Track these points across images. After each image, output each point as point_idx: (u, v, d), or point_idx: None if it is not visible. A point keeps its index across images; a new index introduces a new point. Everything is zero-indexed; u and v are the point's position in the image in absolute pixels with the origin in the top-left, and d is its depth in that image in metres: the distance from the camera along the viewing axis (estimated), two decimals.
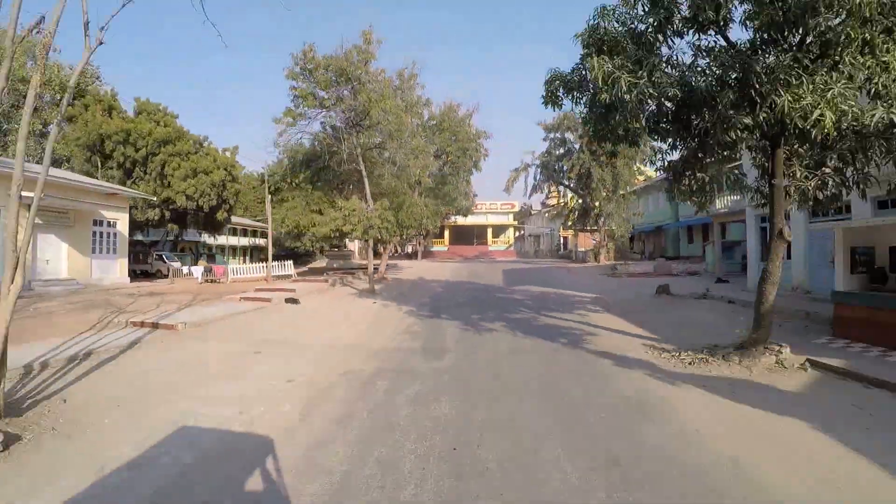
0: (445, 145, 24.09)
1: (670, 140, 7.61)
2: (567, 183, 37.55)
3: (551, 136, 36.38)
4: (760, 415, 5.46)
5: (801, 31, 6.08)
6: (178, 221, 36.46)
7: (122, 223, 24.96)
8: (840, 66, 5.52)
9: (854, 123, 5.15)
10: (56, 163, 32.12)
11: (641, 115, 7.20)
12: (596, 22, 7.56)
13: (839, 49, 5.51)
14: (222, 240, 51.82)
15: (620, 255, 36.54)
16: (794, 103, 5.10)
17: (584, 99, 7.95)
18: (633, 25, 7.45)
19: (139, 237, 39.46)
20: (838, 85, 5.06)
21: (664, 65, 7.00)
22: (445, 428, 5.12)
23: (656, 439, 4.80)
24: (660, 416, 5.46)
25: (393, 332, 10.90)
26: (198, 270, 30.66)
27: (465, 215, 49.11)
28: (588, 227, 37.32)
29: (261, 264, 30.88)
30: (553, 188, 43.31)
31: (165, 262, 33.93)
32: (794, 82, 5.20)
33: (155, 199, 32.30)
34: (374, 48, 17.97)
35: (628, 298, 16.53)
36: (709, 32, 6.99)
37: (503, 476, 4.02)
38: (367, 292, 19.15)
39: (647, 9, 7.28)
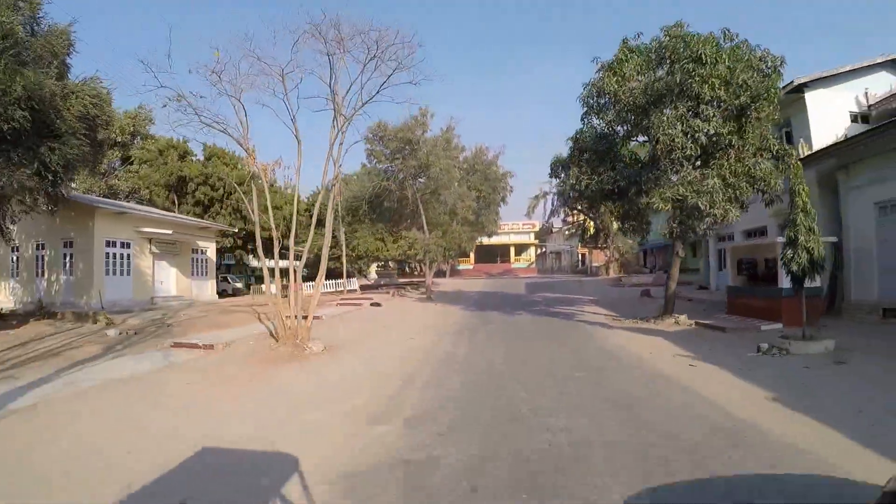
0: (478, 183, 30.87)
1: (612, 206, 14.24)
2: (580, 208, 43.92)
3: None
4: (651, 338, 11.93)
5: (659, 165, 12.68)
6: (244, 248, 43.98)
7: (211, 251, 30.18)
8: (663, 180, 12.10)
9: (679, 205, 11.70)
10: (138, 200, 39.39)
11: (597, 194, 13.86)
12: (577, 136, 14.31)
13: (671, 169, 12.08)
14: (271, 262, 58.23)
15: (626, 269, 42.62)
16: (653, 197, 11.69)
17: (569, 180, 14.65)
18: (593, 145, 14.14)
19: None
20: (670, 190, 11.65)
21: (608, 170, 13.65)
22: (499, 347, 11.71)
23: (598, 346, 11.32)
24: (602, 340, 11.98)
25: (456, 319, 17.53)
26: (273, 287, 37.50)
27: (490, 236, 55.79)
28: (599, 246, 43.49)
29: (327, 281, 37.89)
30: (569, 211, 49.58)
31: (230, 283, 39.53)
32: (653, 188, 11.81)
33: (236, 229, 39.82)
34: (429, 120, 25.00)
35: (616, 299, 22.94)
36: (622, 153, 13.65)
37: (529, 360, 10.53)
38: (424, 299, 25.86)
39: (600, 136, 13.98)
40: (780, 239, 11.83)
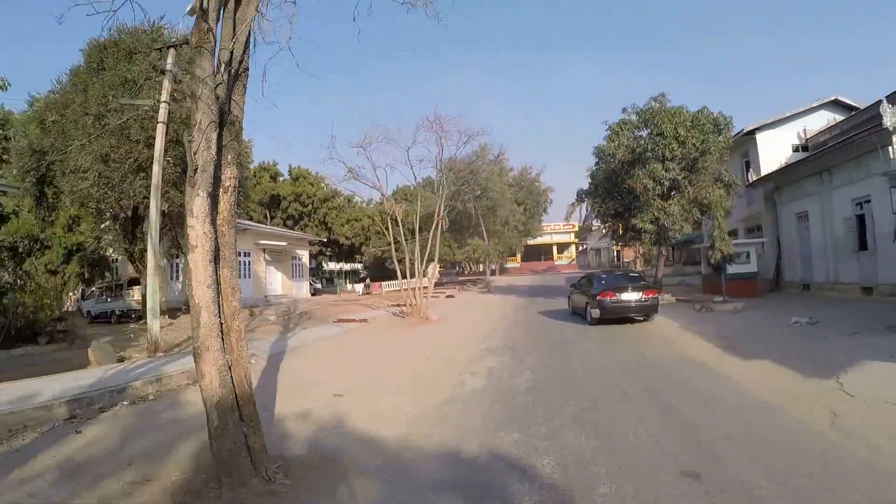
0: (525, 198, 38.42)
1: (618, 222, 21.64)
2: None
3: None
4: None
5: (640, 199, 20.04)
6: (323, 253, 53.10)
7: (305, 257, 37.93)
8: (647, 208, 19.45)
9: (654, 225, 19.02)
10: (240, 217, 48.58)
11: (606, 215, 21.34)
12: (592, 175, 21.86)
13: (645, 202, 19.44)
14: (332, 265, 65.22)
15: (648, 263, 49.13)
16: (638, 219, 19.05)
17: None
18: (604, 182, 21.59)
19: None
20: (648, 214, 19.00)
21: (612, 200, 21.07)
22: (542, 316, 19.35)
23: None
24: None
25: (512, 302, 25.16)
26: (359, 287, 45.89)
27: (535, 238, 63.07)
28: (628, 244, 50.23)
29: (394, 282, 46.12)
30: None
31: (311, 284, 46.47)
32: (639, 213, 19.18)
33: (325, 239, 48.74)
34: (486, 152, 32.80)
35: None
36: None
37: (560, 326, 18.12)
38: (485, 291, 33.62)
39: (606, 177, 21.43)
40: (706, 243, 19.09)
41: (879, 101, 16.11)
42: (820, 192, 19.04)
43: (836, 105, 24.31)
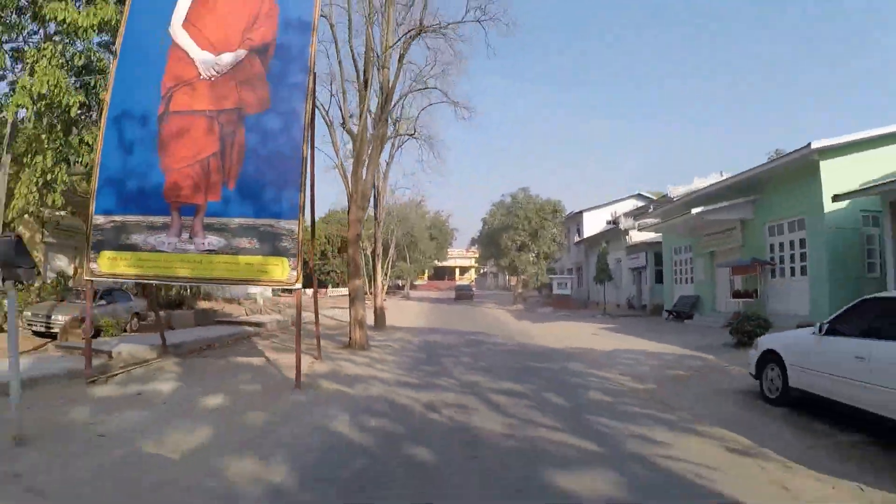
0: (437, 234, 51.73)
1: (500, 261, 35.35)
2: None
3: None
4: (495, 308, 33.02)
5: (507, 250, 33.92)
6: None
7: None
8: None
9: (514, 267, 32.83)
10: None
11: (491, 256, 35.04)
12: (481, 231, 35.51)
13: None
14: None
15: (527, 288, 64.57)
16: (505, 262, 32.65)
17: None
18: (488, 236, 35.29)
19: None
20: (510, 260, 32.79)
21: (493, 248, 34.84)
22: (449, 305, 32.52)
23: (481, 311, 32.21)
24: (480, 305, 32.98)
25: (426, 303, 37.91)
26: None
27: (442, 261, 76.82)
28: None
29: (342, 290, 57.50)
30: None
31: None
32: (506, 258, 32.86)
33: None
34: (414, 203, 45.76)
35: (490, 295, 44.20)
36: None
37: (456, 307, 31.22)
38: (406, 297, 46.15)
39: (489, 234, 35.16)
40: (545, 277, 33.51)
41: (656, 199, 31.06)
42: (607, 251, 33.89)
43: (639, 196, 39.92)
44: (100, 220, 8.46)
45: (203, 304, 22.89)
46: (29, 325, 12.32)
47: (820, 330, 6.14)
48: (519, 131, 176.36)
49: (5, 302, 7.55)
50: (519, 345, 14.61)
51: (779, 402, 6.76)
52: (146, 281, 9.12)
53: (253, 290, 31.31)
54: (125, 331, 14.05)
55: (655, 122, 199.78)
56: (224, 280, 8.78)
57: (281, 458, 4.78)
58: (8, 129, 10.42)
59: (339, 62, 15.20)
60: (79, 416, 6.04)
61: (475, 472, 4.57)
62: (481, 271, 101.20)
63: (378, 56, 13.79)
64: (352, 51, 14.13)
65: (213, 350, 12.49)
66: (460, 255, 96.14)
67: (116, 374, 8.80)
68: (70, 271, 17.92)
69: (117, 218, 8.42)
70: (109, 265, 8.37)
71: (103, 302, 13.98)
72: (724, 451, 5.12)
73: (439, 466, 4.70)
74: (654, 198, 36.79)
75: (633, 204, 39.03)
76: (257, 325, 17.70)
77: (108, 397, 7.16)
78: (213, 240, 8.04)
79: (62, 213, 14.81)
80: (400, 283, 58.13)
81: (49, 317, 12.55)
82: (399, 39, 14.07)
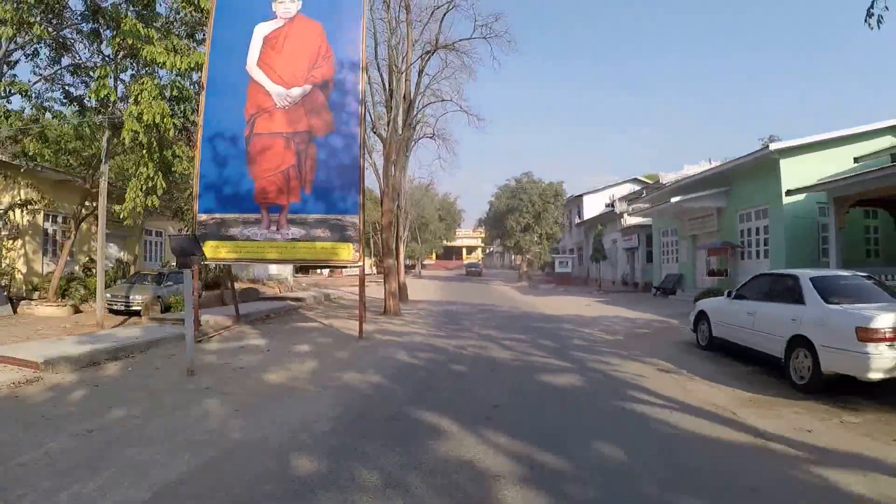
0: (445, 215, 54.38)
1: (506, 241, 38.05)
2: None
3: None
4: (500, 284, 35.85)
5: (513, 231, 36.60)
6: None
7: None
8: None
9: (520, 247, 35.55)
10: None
11: (497, 237, 37.79)
12: (488, 212, 38.18)
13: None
14: None
15: (531, 267, 67.39)
16: (508, 242, 35.40)
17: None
18: (494, 217, 37.97)
19: None
20: (515, 240, 35.47)
21: (500, 228, 37.56)
22: (461, 281, 35.38)
23: (489, 287, 35.06)
24: (489, 282, 35.81)
25: (438, 281, 40.79)
26: (325, 271, 59.62)
27: (451, 241, 79.55)
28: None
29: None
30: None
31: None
32: (512, 238, 35.57)
33: None
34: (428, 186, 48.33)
35: (499, 274, 47.04)
36: None
37: (468, 284, 34.10)
38: (417, 276, 49.01)
39: (496, 215, 37.82)
40: (548, 256, 36.22)
41: (651, 183, 33.59)
42: (603, 233, 36.52)
43: (635, 181, 42.32)
44: (202, 217, 11.25)
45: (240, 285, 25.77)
46: (109, 305, 15.04)
47: (730, 295, 8.90)
48: (520, 111, 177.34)
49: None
50: (523, 312, 17.44)
51: (706, 347, 9.54)
52: (243, 263, 11.92)
53: (273, 270, 34.53)
54: (170, 308, 16.77)
55: (665, 99, 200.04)
56: (305, 261, 11.67)
57: (371, 371, 7.65)
58: (104, 144, 13.09)
59: (368, 76, 17.75)
60: (211, 360, 8.82)
61: (495, 377, 7.41)
62: (487, 251, 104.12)
63: (400, 70, 16.38)
64: (378, 67, 16.72)
65: (273, 319, 15.34)
66: (467, 236, 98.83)
67: (213, 336, 11.65)
68: (122, 258, 20.63)
69: (217, 216, 11.21)
70: (212, 252, 11.17)
71: (171, 283, 16.77)
72: (654, 370, 7.91)
73: (471, 375, 7.55)
74: (650, 182, 39.18)
75: (629, 188, 41.31)
76: (297, 299, 20.52)
77: (219, 350, 9.91)
78: (296, 231, 10.84)
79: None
80: (410, 262, 61.15)
81: (127, 297, 15.28)
82: (418, 58, 16.62)
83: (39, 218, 16.77)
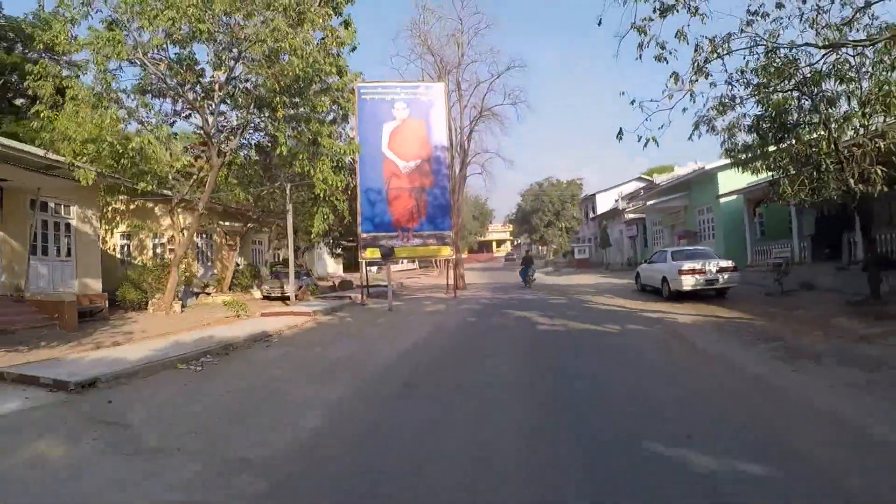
0: (478, 214, 63.28)
1: (530, 236, 46.76)
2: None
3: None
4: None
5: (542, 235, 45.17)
6: None
7: None
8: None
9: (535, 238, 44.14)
10: None
11: (523, 230, 46.48)
12: (517, 210, 46.88)
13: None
14: None
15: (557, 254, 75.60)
16: (534, 236, 44.07)
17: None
18: (520, 218, 46.62)
19: None
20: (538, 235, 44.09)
21: (529, 227, 46.25)
22: (491, 272, 44.15)
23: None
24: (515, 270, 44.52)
25: (476, 272, 49.50)
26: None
27: (482, 237, 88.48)
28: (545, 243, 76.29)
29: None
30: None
31: None
32: (534, 233, 44.21)
33: None
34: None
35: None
36: None
37: (498, 274, 42.81)
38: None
39: (522, 215, 46.48)
40: (568, 247, 44.75)
41: (651, 181, 41.85)
42: (610, 224, 44.81)
43: (640, 179, 50.29)
44: (364, 236, 20.35)
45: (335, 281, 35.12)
46: (267, 293, 23.79)
47: (647, 261, 17.64)
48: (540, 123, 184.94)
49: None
50: (545, 284, 26.14)
51: (640, 291, 18.22)
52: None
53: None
54: (312, 293, 25.87)
55: None
56: (422, 256, 20.69)
57: (472, 305, 16.70)
58: (288, 195, 22.23)
59: None
60: (382, 308, 17.73)
61: (530, 304, 16.26)
62: (515, 243, 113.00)
63: (458, 131, 25.29)
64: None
65: (382, 297, 24.44)
66: (496, 230, 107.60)
67: (365, 304, 20.71)
68: (239, 262, 29.88)
69: (370, 234, 20.28)
70: (370, 254, 20.27)
71: (306, 277, 25.97)
72: (607, 298, 16.71)
73: (519, 305, 16.46)
74: (651, 179, 47.29)
75: (635, 186, 49.20)
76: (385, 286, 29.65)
77: (375, 309, 18.77)
78: (416, 241, 19.88)
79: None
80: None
81: (281, 287, 24.21)
82: (470, 122, 25.53)
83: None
